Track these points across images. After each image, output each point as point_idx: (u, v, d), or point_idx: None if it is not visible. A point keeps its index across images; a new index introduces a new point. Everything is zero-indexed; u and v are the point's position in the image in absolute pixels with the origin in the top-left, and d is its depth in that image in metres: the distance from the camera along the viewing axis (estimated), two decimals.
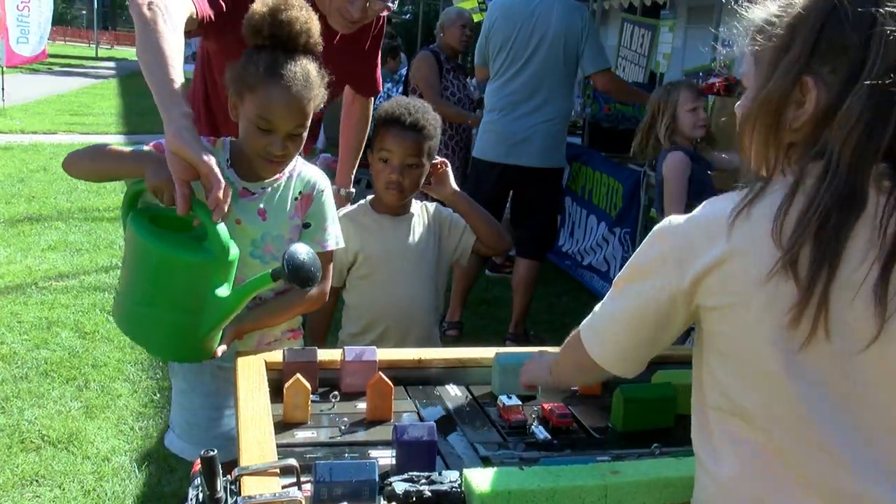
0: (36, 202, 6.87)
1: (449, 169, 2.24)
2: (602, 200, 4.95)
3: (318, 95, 1.73)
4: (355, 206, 2.27)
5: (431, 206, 2.28)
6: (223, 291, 1.57)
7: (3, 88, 12.79)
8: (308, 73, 1.70)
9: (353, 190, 2.71)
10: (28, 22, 13.17)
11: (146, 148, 1.65)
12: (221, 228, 1.55)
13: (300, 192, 1.81)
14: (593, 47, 4.13)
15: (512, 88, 4.14)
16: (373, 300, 2.16)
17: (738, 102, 1.12)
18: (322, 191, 1.85)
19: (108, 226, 6.28)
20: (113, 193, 7.43)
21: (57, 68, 23.30)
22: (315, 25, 1.72)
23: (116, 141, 10.90)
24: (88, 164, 1.66)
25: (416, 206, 2.25)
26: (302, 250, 1.52)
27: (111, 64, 30.15)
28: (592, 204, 5.10)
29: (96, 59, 33.23)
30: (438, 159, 2.21)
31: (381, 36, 2.53)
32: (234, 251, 1.57)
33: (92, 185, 7.70)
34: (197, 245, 1.55)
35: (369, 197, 2.26)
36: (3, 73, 12.74)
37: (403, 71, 5.84)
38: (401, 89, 5.77)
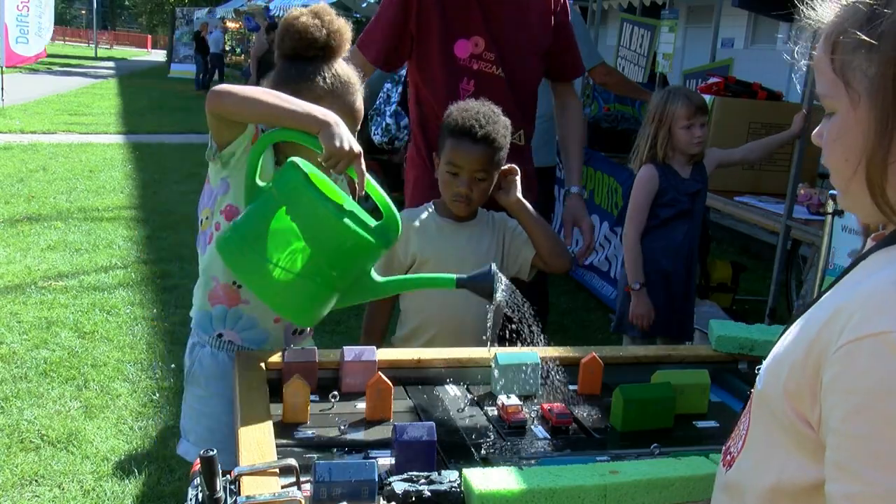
0: (35, 202, 6.87)
1: (518, 177, 2.11)
2: (603, 200, 4.95)
3: (363, 94, 1.84)
4: (420, 206, 2.19)
5: (499, 214, 2.19)
6: (377, 276, 1.58)
7: (2, 88, 12.80)
8: (358, 76, 1.82)
9: (584, 189, 2.58)
10: (27, 22, 13.18)
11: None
12: (396, 212, 1.56)
13: None
14: (582, 44, 4.13)
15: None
16: (423, 305, 2.11)
17: (829, 133, 0.89)
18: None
19: (108, 225, 6.28)
20: (112, 193, 7.43)
21: (56, 68, 23.32)
22: (350, 32, 1.83)
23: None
24: (251, 102, 1.56)
25: (483, 213, 2.18)
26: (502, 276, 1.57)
27: (110, 64, 30.19)
28: (594, 204, 5.11)
29: (95, 59, 33.27)
30: (509, 165, 2.11)
31: (567, 13, 2.65)
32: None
33: (91, 184, 7.71)
34: (362, 223, 1.52)
35: (434, 201, 2.18)
36: (2, 73, 12.74)
37: (403, 72, 5.83)
38: (400, 89, 5.78)
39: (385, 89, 5.94)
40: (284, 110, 1.53)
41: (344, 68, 1.78)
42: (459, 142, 2.03)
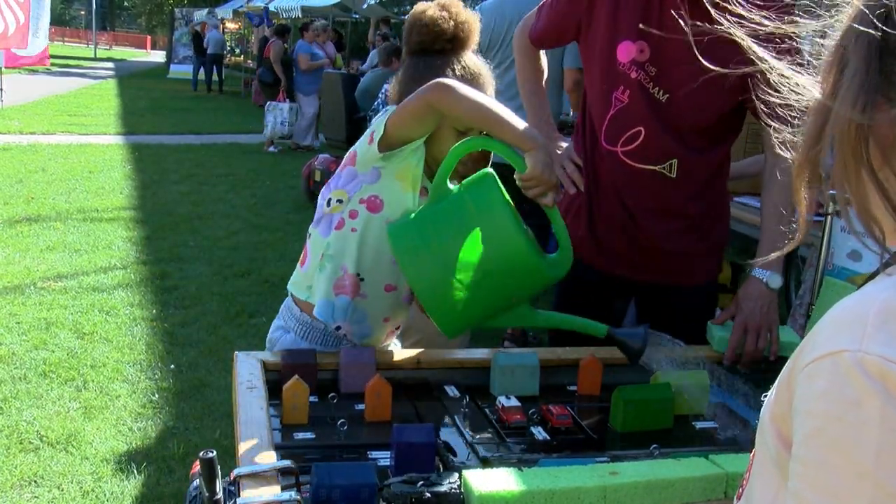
0: (34, 203, 6.87)
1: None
2: None
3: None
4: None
5: None
6: (533, 308, 1.59)
7: (1, 89, 12.80)
8: (487, 67, 1.80)
9: (781, 279, 1.99)
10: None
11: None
12: (572, 250, 1.57)
13: None
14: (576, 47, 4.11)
15: (496, 88, 4.13)
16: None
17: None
18: None
19: (107, 226, 6.28)
20: (111, 194, 7.43)
21: (55, 69, 23.30)
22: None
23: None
24: (474, 103, 1.55)
25: None
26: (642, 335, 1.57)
27: (110, 65, 30.19)
28: None
29: (95, 59, 33.25)
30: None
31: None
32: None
33: (91, 185, 7.70)
34: (540, 252, 1.53)
35: None
36: (0, 74, 12.74)
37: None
38: None
39: (384, 90, 5.95)
40: (504, 120, 1.53)
41: (474, 60, 1.77)
42: None
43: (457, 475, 1.23)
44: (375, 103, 5.97)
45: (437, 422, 1.53)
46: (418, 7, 1.77)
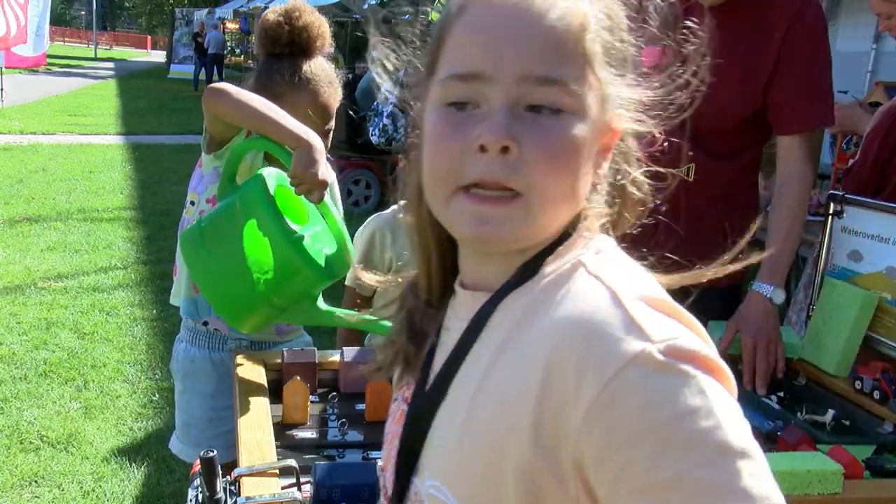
0: (35, 203, 6.88)
1: None
2: None
3: (338, 91, 1.80)
4: (388, 210, 2.14)
5: None
6: (322, 304, 1.60)
7: (1, 89, 12.81)
8: (329, 73, 1.78)
9: (781, 292, 1.90)
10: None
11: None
12: (350, 249, 1.59)
13: None
14: None
15: None
16: None
17: None
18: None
19: (107, 226, 6.29)
20: (111, 194, 7.44)
21: (56, 69, 23.31)
22: (327, 29, 1.78)
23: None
24: (242, 106, 1.56)
25: None
26: None
27: (110, 65, 30.21)
28: None
29: (95, 59, 33.27)
30: None
31: (805, 41, 1.86)
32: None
33: (91, 185, 7.72)
34: (313, 248, 1.53)
35: (402, 202, 2.14)
36: (1, 74, 12.75)
37: (401, 73, 5.84)
38: (398, 89, 5.79)
39: (383, 90, 5.96)
40: (270, 121, 1.54)
41: (312, 65, 1.76)
42: None
43: None
44: (375, 103, 5.97)
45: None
46: (266, 11, 1.80)
